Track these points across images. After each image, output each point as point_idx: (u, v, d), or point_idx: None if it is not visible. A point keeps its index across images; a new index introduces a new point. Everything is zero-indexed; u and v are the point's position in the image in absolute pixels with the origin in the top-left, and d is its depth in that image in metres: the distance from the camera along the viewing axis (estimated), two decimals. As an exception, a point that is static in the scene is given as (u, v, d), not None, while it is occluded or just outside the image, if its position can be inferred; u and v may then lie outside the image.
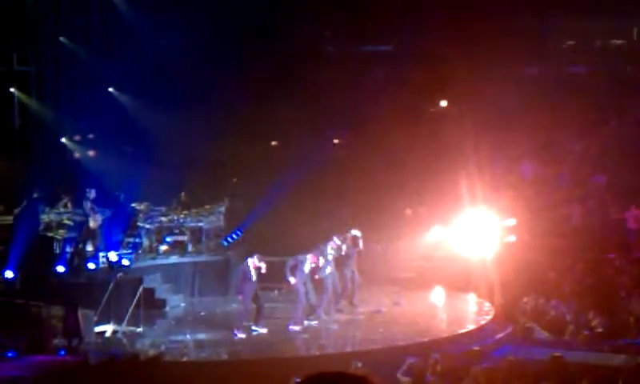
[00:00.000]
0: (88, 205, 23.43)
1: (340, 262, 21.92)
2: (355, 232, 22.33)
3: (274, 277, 22.41)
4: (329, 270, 21.41)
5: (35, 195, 23.50)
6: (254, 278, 19.79)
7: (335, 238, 21.58)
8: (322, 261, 20.89)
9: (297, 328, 20.40)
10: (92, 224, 23.14)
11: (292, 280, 20.49)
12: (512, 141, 27.87)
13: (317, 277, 21.02)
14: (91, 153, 28.39)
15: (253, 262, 19.78)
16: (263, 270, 19.95)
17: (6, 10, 26.00)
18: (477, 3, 27.05)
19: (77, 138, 28.47)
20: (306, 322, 20.68)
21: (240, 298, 20.24)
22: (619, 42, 30.36)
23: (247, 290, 19.85)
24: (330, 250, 21.41)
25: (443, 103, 30.51)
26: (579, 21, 29.62)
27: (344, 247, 21.88)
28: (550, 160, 28.39)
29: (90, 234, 23.27)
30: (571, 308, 22.65)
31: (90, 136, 28.63)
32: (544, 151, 28.50)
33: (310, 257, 20.67)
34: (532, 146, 28.43)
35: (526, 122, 27.54)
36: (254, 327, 20.00)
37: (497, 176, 26.81)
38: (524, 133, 27.78)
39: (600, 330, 21.78)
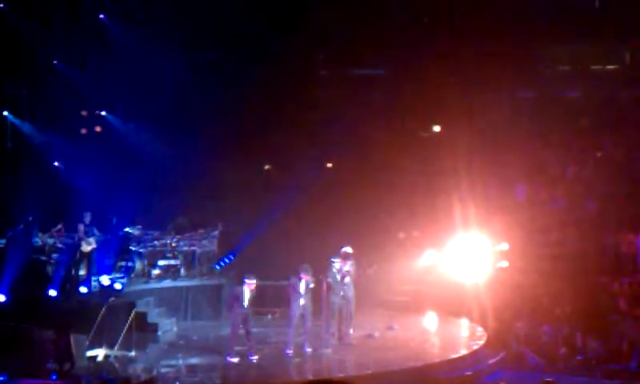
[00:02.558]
0: (82, 228, 23.40)
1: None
2: (347, 249, 22.08)
3: (267, 301, 22.36)
4: (341, 293, 21.36)
5: (30, 219, 23.44)
6: (246, 302, 19.68)
7: (334, 261, 21.48)
8: (312, 280, 20.69)
9: (291, 352, 20.30)
10: (85, 248, 23.11)
11: (302, 301, 20.34)
12: (505, 165, 27.90)
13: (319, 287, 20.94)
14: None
15: (247, 284, 19.62)
16: (253, 287, 19.76)
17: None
18: (470, 28, 27.08)
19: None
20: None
21: (230, 319, 20.15)
22: (612, 66, 30.41)
23: (236, 312, 19.74)
24: (335, 271, 21.35)
25: (436, 128, 30.51)
26: (573, 46, 29.71)
27: (345, 267, 21.70)
28: (543, 184, 28.38)
29: (83, 258, 23.23)
30: (564, 333, 22.64)
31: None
32: (537, 175, 28.50)
33: (302, 275, 20.46)
34: (525, 170, 28.44)
35: (520, 146, 27.61)
36: (250, 357, 19.82)
37: (490, 200, 26.79)
38: (517, 157, 27.82)
39: (593, 355, 21.78)
